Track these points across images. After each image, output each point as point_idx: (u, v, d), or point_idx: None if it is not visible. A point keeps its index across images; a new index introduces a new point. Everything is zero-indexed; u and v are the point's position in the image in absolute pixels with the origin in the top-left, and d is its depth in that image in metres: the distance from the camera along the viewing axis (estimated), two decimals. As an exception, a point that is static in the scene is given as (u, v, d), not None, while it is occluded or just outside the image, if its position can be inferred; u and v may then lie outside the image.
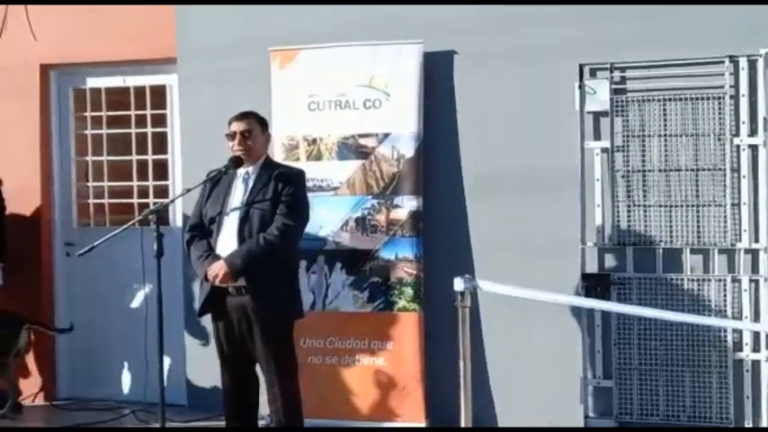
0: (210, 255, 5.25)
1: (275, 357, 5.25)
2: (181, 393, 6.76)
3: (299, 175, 5.45)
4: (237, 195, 5.33)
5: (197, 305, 5.49)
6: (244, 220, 5.24)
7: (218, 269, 5.16)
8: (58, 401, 7.07)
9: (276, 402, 5.31)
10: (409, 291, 6.17)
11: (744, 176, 5.76)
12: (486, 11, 6.13)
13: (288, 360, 5.34)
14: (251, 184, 5.33)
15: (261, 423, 5.61)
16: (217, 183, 5.40)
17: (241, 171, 5.37)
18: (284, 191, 5.26)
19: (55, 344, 7.24)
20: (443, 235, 6.25)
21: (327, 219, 6.20)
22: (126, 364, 7.04)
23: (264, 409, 5.71)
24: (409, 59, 6.21)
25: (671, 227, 5.88)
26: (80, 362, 7.26)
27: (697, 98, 5.82)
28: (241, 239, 5.21)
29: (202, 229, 5.37)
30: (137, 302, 6.94)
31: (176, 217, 6.95)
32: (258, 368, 5.42)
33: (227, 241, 5.26)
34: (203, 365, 6.55)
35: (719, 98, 5.78)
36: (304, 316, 5.54)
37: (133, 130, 7.15)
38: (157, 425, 5.24)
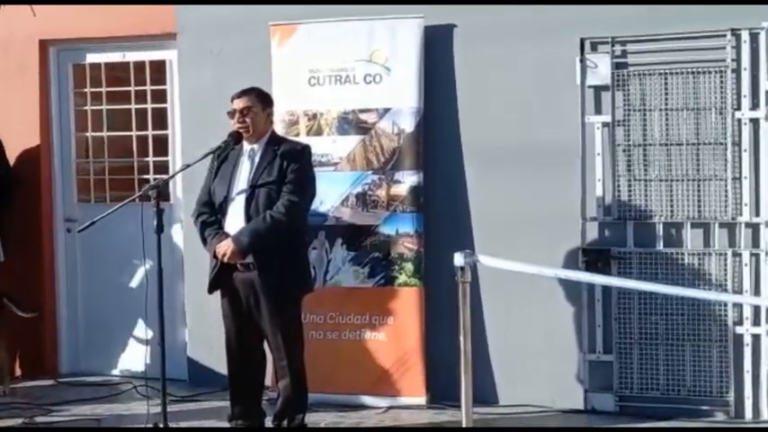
0: (218, 233, 5.29)
1: (283, 331, 5.29)
2: (182, 368, 6.78)
3: (305, 150, 5.45)
4: (244, 173, 5.34)
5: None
6: (250, 199, 5.27)
7: (225, 247, 5.20)
8: (60, 377, 7.09)
9: (285, 378, 5.36)
10: (410, 266, 6.18)
11: (745, 150, 5.75)
12: (486, -16, 6.11)
13: (295, 333, 5.38)
14: (257, 161, 5.34)
15: (264, 399, 5.63)
16: (225, 159, 5.41)
17: (247, 147, 5.38)
18: (289, 168, 5.28)
19: (56, 319, 7.25)
20: (444, 210, 6.25)
21: (328, 194, 6.19)
22: (127, 339, 7.06)
23: (268, 384, 5.76)
24: (409, 34, 6.18)
25: (672, 201, 5.88)
26: (81, 337, 7.29)
27: (698, 72, 5.80)
28: (248, 218, 5.24)
29: (211, 207, 5.40)
30: (137, 278, 6.95)
31: (176, 192, 6.95)
32: (265, 346, 5.46)
33: (234, 220, 5.29)
34: (204, 340, 6.56)
35: (721, 72, 5.76)
36: (313, 290, 5.57)
37: (133, 106, 7.13)
38: (158, 399, 5.26)
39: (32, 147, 7.19)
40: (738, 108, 5.75)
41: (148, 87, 7.09)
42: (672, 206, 5.88)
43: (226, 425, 5.54)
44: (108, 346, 7.15)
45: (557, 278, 5.91)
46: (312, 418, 5.70)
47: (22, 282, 6.99)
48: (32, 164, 7.18)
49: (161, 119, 7.08)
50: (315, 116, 6.37)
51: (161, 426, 5.18)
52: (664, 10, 5.81)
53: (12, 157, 7.12)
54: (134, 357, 6.98)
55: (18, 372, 7.15)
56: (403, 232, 6.20)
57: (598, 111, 6.00)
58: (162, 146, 7.08)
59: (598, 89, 5.98)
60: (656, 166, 5.89)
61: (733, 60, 5.73)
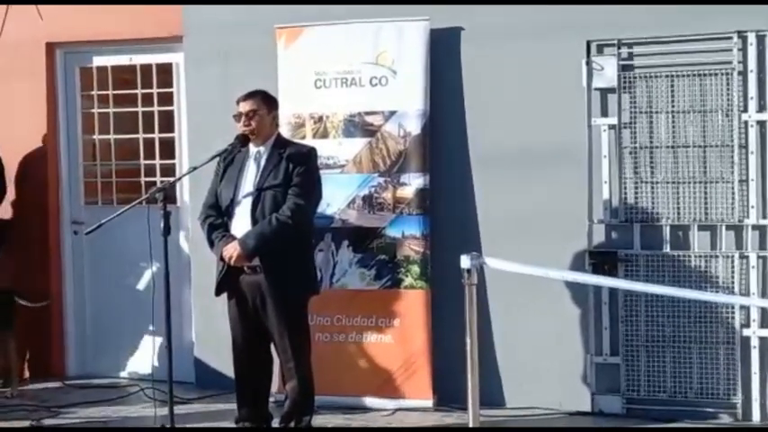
0: (225, 236, 5.30)
1: (290, 333, 5.30)
2: (189, 370, 6.79)
3: (311, 153, 5.47)
4: (250, 176, 5.36)
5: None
6: (256, 202, 5.28)
7: (232, 250, 5.21)
8: (68, 380, 7.11)
9: (292, 381, 5.37)
10: (416, 268, 6.18)
11: (752, 152, 5.74)
12: (492, -13, 6.11)
13: (302, 335, 5.40)
14: (263, 164, 5.36)
15: (271, 400, 5.64)
16: (231, 162, 5.42)
17: (253, 150, 5.39)
18: (295, 170, 5.29)
19: (64, 322, 7.27)
20: (450, 212, 6.25)
21: (334, 196, 6.20)
22: (134, 342, 7.07)
23: (274, 387, 5.77)
24: (415, 36, 6.18)
25: (678, 203, 5.87)
26: (88, 340, 7.30)
27: (705, 74, 5.80)
28: (254, 221, 5.25)
29: (218, 209, 5.41)
30: (144, 280, 6.96)
31: (183, 195, 6.96)
32: (272, 348, 5.48)
33: (240, 222, 5.30)
34: (211, 342, 6.57)
35: (727, 74, 5.75)
36: (319, 292, 5.58)
37: (140, 109, 7.14)
38: (166, 402, 5.27)
39: (39, 149, 7.20)
40: (745, 110, 5.74)
41: (155, 90, 7.10)
42: (678, 208, 5.87)
43: (233, 426, 5.54)
44: (115, 349, 7.17)
45: (563, 280, 5.91)
46: (319, 421, 5.71)
47: (30, 283, 7.01)
48: (40, 166, 7.20)
49: (168, 121, 7.09)
50: (321, 119, 6.38)
51: (168, 427, 5.19)
52: (670, 12, 5.81)
53: (19, 159, 7.15)
54: (141, 360, 7.00)
55: (26, 374, 7.16)
56: (409, 234, 6.20)
57: (604, 113, 6.00)
58: (169, 148, 7.09)
59: (604, 91, 5.98)
60: (663, 168, 5.89)
61: (739, 62, 5.72)
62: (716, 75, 5.78)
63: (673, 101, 5.86)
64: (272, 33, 6.45)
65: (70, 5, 6.93)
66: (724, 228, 5.80)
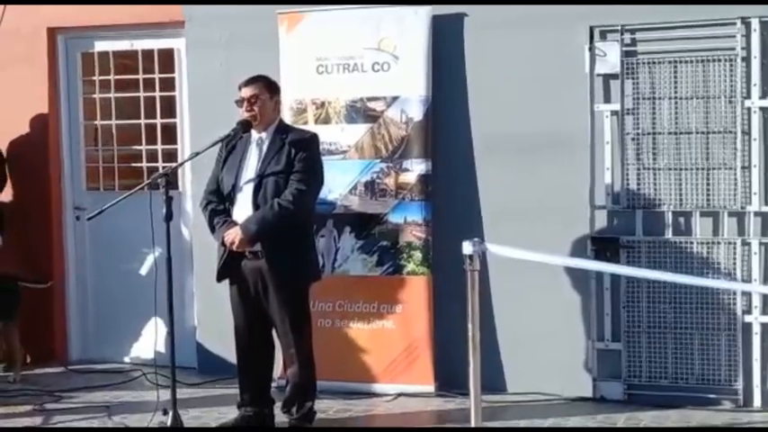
0: (227, 221, 5.30)
1: (291, 318, 5.31)
2: (191, 355, 6.80)
3: (312, 139, 5.46)
4: (252, 161, 5.36)
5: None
6: (258, 187, 5.28)
7: (233, 235, 5.22)
8: (71, 365, 7.12)
9: (293, 366, 5.38)
10: (418, 254, 6.18)
11: (754, 139, 5.73)
12: (495, -28, 6.09)
13: (303, 321, 5.40)
14: (265, 149, 5.36)
15: (273, 386, 5.65)
16: (233, 148, 5.42)
17: (255, 136, 5.39)
18: (297, 156, 5.29)
19: (66, 307, 7.28)
20: (452, 198, 6.25)
21: (336, 182, 6.20)
22: (136, 327, 7.07)
23: (276, 372, 5.78)
24: (418, 22, 6.17)
25: (681, 190, 5.87)
26: (91, 325, 7.31)
27: (708, 60, 5.78)
28: (256, 206, 5.25)
29: (219, 195, 5.42)
30: (146, 265, 6.96)
31: (185, 181, 6.96)
32: (274, 334, 5.48)
33: (242, 208, 5.31)
34: (213, 327, 6.58)
35: (731, 60, 5.73)
36: (321, 278, 5.59)
37: (141, 94, 7.14)
38: (168, 386, 5.28)
39: (41, 135, 7.19)
40: (748, 96, 5.73)
41: (157, 75, 7.09)
42: (681, 195, 5.87)
43: (235, 413, 5.56)
44: (118, 334, 7.18)
45: (565, 266, 5.91)
46: (321, 406, 5.72)
47: (32, 269, 7.02)
48: (41, 152, 7.20)
49: (169, 107, 7.09)
50: (323, 104, 6.37)
51: (170, 411, 5.20)
52: (673, -2, 5.80)
53: (20, 144, 7.15)
54: (144, 345, 7.01)
55: (28, 359, 7.17)
56: (411, 221, 6.20)
57: (607, 99, 5.98)
58: (170, 134, 7.09)
59: (607, 77, 5.97)
60: (666, 154, 5.88)
61: (743, 49, 5.70)
62: (719, 61, 5.76)
63: (676, 87, 5.84)
64: (273, 19, 6.44)
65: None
66: (726, 214, 5.79)
